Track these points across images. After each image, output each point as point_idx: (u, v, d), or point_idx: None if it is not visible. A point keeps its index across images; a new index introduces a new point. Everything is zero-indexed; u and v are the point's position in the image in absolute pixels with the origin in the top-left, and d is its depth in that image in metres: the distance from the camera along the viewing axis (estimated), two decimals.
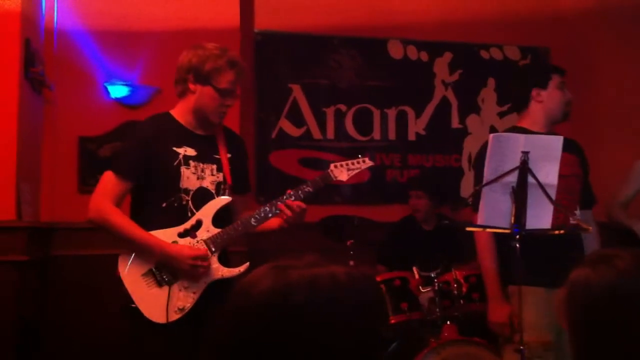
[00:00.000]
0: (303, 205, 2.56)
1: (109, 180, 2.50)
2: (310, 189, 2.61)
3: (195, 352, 2.45)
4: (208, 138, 2.61)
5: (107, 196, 2.48)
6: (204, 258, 2.46)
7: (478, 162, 2.88)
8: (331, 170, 2.68)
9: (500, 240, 2.77)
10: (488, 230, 2.62)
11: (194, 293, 2.47)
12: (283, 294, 0.93)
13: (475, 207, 2.74)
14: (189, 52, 2.58)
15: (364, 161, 2.75)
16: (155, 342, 2.44)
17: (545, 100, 2.90)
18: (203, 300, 2.47)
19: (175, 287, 2.45)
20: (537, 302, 2.69)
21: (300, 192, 2.60)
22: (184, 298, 2.45)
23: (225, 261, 2.55)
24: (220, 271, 2.51)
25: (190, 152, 2.54)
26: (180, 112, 2.60)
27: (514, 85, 3.10)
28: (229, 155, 2.62)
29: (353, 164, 2.73)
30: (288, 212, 2.54)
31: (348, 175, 2.70)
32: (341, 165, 2.70)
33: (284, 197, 2.58)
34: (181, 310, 2.44)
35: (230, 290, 2.65)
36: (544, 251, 2.73)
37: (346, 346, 0.92)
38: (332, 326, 0.92)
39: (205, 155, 2.56)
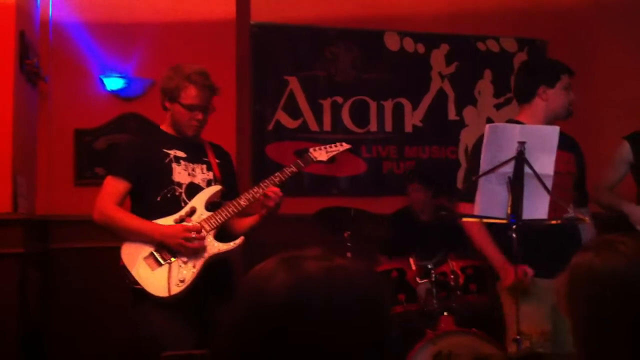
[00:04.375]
0: (278, 191, 2.74)
1: (108, 184, 2.72)
2: (294, 170, 2.82)
3: (198, 329, 2.60)
4: (196, 144, 2.82)
5: (107, 198, 2.69)
6: (196, 229, 2.63)
7: (473, 155, 2.88)
8: (310, 153, 2.91)
9: (496, 232, 2.77)
10: (485, 220, 2.61)
11: (194, 267, 2.62)
12: (300, 288, 0.91)
13: (465, 198, 2.76)
14: (164, 73, 2.80)
15: (341, 144, 3.00)
16: (160, 319, 2.59)
17: (550, 99, 2.88)
18: (203, 277, 2.62)
19: (174, 264, 2.62)
20: (536, 293, 2.67)
21: (284, 174, 2.79)
22: (184, 272, 2.61)
23: (221, 240, 2.72)
24: (217, 246, 2.67)
25: (180, 154, 2.76)
26: (166, 125, 2.84)
27: (520, 77, 3.07)
28: (217, 161, 2.84)
29: (331, 147, 2.97)
30: (268, 201, 2.72)
31: (327, 155, 2.93)
32: (320, 148, 2.95)
33: (270, 178, 2.77)
34: (182, 282, 2.59)
35: (228, 269, 2.70)
36: (541, 242, 2.73)
37: (361, 338, 0.91)
38: (348, 317, 0.91)
39: (195, 157, 2.78)
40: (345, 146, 2.99)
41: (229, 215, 2.71)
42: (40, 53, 4.01)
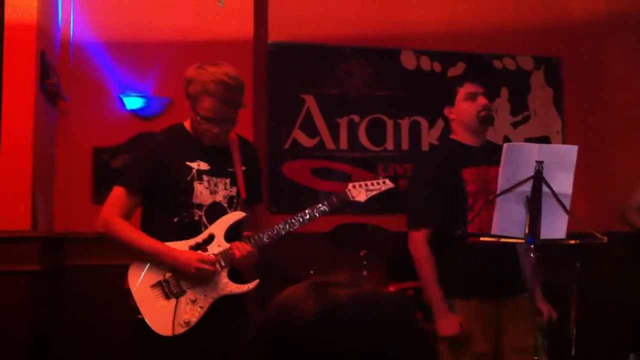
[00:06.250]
0: (249, 248, 2.48)
1: (117, 195, 2.49)
2: (327, 209, 2.56)
3: (200, 350, 2.44)
4: (222, 150, 2.56)
5: (114, 210, 2.47)
6: (211, 262, 2.43)
7: (418, 178, 2.98)
8: (349, 190, 2.63)
9: (441, 253, 2.79)
10: (503, 240, 2.59)
11: (201, 308, 2.44)
12: (328, 316, 0.88)
13: (417, 225, 2.79)
14: (188, 69, 2.51)
15: (384, 182, 2.69)
16: (160, 356, 2.43)
17: (457, 116, 2.92)
18: (210, 316, 2.45)
19: (182, 300, 2.43)
20: (470, 314, 2.73)
21: (315, 211, 2.55)
22: (190, 312, 2.43)
23: (235, 277, 2.52)
24: (229, 287, 2.48)
25: (204, 166, 2.50)
26: (190, 124, 2.58)
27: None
28: (243, 168, 2.58)
29: (372, 184, 2.67)
30: (236, 252, 2.47)
31: (367, 195, 2.64)
32: (360, 186, 2.65)
33: (299, 215, 2.53)
34: (187, 324, 2.41)
35: (236, 304, 2.53)
36: (476, 264, 2.75)
37: None
38: (382, 350, 0.88)
39: (219, 169, 2.53)
40: (389, 185, 2.70)
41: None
42: (60, 73, 4.07)
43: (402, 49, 4.94)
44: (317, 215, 2.54)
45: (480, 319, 2.74)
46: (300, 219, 2.53)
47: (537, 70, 5.15)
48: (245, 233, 2.53)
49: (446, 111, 2.95)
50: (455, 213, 2.76)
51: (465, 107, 2.89)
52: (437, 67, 4.98)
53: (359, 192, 2.64)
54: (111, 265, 3.74)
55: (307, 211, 2.54)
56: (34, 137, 3.61)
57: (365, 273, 3.51)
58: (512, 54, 5.10)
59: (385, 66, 4.90)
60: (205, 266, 2.41)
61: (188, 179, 2.48)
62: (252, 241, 2.49)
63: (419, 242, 2.79)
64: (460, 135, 2.93)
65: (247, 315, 2.57)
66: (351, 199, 2.62)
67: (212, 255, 2.46)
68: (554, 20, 5.10)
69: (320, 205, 2.56)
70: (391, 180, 2.73)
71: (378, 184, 2.68)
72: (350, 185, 2.65)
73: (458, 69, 5.01)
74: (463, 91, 2.90)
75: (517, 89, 5.07)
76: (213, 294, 2.45)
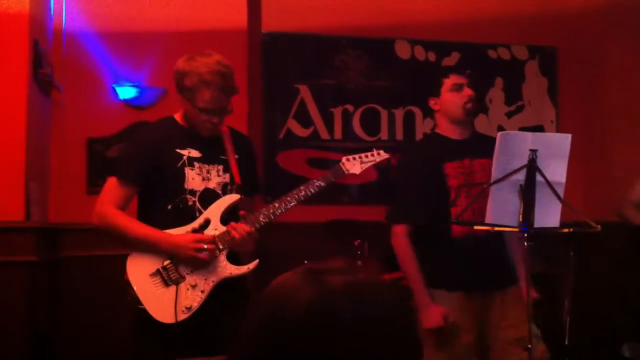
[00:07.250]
0: (248, 228, 2.46)
1: (112, 186, 2.50)
2: (322, 184, 2.54)
3: (203, 352, 2.40)
4: (213, 140, 2.56)
5: (109, 202, 2.48)
6: (209, 242, 2.43)
7: (402, 172, 3.02)
8: (343, 164, 2.62)
9: (425, 247, 2.80)
10: (497, 229, 2.60)
11: (202, 292, 2.43)
12: (324, 304, 0.87)
13: (398, 219, 2.81)
14: (179, 62, 2.52)
15: (378, 154, 2.67)
16: (165, 345, 2.42)
17: (441, 107, 2.91)
18: (213, 301, 2.45)
19: (182, 286, 2.42)
20: (453, 306, 2.74)
21: (311, 187, 2.53)
22: (191, 297, 2.42)
23: (234, 260, 2.51)
24: (229, 269, 2.46)
25: (195, 153, 2.51)
26: (181, 116, 2.59)
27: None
28: (236, 156, 2.58)
29: (367, 156, 2.65)
30: (235, 234, 2.44)
31: (362, 168, 2.62)
32: (353, 159, 2.63)
33: (294, 192, 2.53)
34: (188, 309, 2.41)
35: (239, 290, 2.55)
36: (462, 255, 2.77)
37: (386, 355, 0.88)
38: (377, 337, 0.87)
39: (211, 157, 2.53)
40: (383, 155, 2.67)
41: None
42: (53, 62, 4.04)
43: (396, 39, 4.93)
44: (313, 191, 2.52)
45: (464, 310, 2.74)
46: (296, 196, 2.51)
47: (531, 60, 5.14)
48: (241, 212, 2.51)
49: (431, 102, 2.94)
50: (439, 208, 2.77)
51: (450, 98, 2.89)
52: (432, 56, 4.98)
53: (353, 164, 2.61)
54: (108, 256, 3.75)
55: (302, 187, 2.52)
56: (27, 128, 3.60)
57: (359, 263, 3.51)
58: (507, 43, 5.10)
59: (379, 56, 4.89)
60: (203, 245, 2.41)
61: (179, 165, 2.48)
62: (249, 220, 2.48)
63: (399, 236, 2.81)
64: (444, 128, 2.92)
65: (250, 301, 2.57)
66: (345, 172, 2.60)
67: (209, 235, 2.45)
68: (551, 10, 5.09)
69: (315, 180, 2.54)
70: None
71: (372, 155, 2.66)
72: (344, 159, 2.62)
73: (452, 58, 5.00)
74: (449, 82, 2.90)
75: (512, 78, 5.07)
76: (213, 278, 2.44)
